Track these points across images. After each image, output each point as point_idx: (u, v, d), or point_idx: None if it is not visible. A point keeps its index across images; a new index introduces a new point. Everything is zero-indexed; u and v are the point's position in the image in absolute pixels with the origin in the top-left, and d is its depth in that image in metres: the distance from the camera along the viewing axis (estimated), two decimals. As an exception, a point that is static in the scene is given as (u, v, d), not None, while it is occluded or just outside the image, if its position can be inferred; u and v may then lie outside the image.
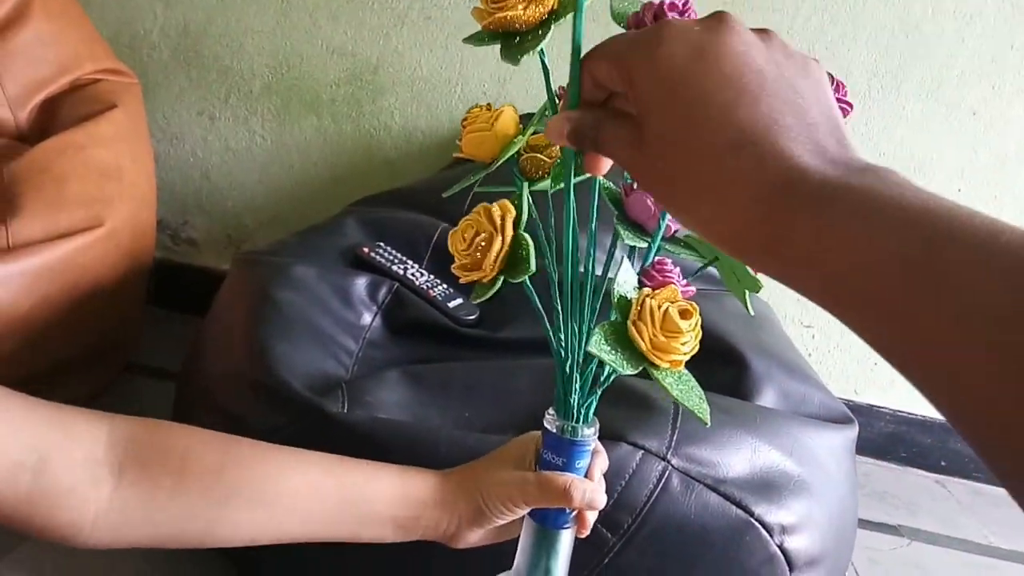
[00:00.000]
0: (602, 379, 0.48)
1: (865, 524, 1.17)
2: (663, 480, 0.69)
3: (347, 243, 1.02)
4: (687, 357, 0.45)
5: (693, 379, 0.47)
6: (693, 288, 0.46)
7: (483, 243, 0.42)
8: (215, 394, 0.76)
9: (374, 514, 0.53)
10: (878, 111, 1.30)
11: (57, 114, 1.12)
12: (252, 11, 1.35)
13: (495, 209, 0.43)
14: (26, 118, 1.12)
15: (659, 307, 0.43)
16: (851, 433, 0.88)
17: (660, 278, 0.44)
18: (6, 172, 0.97)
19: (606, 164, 0.39)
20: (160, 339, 1.31)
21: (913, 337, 0.26)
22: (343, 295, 0.91)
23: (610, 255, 0.47)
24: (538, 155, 0.45)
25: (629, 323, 0.44)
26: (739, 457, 0.73)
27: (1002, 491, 1.32)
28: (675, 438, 0.72)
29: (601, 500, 0.51)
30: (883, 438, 1.41)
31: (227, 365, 0.78)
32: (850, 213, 0.28)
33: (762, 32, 0.33)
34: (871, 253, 0.27)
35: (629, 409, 0.73)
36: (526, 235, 0.43)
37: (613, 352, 0.44)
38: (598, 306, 0.46)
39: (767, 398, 0.89)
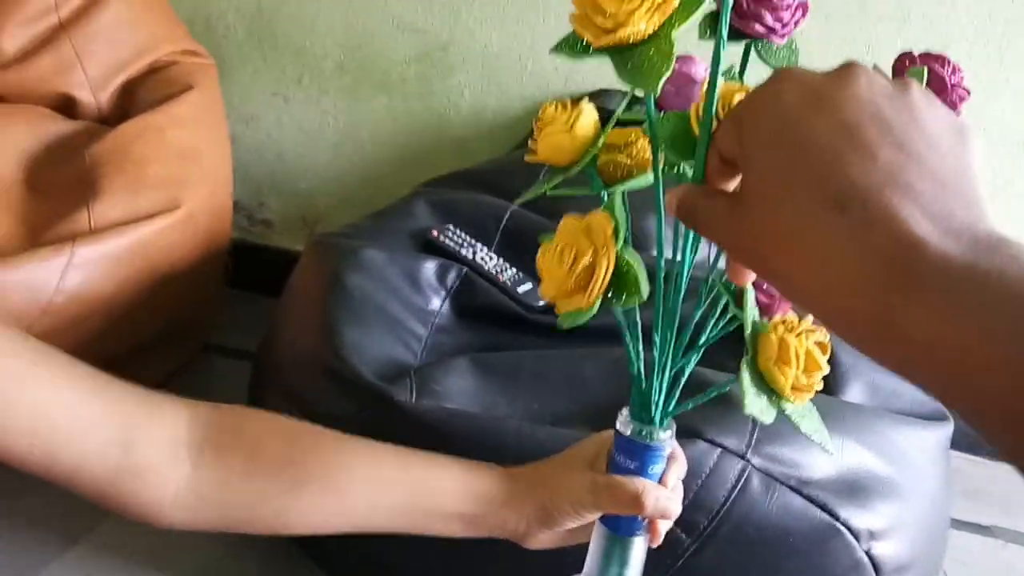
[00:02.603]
0: (681, 382, 0.45)
1: (954, 524, 1.11)
2: (742, 480, 0.66)
3: (417, 225, 1.01)
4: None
5: (813, 405, 0.44)
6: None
7: (588, 266, 0.38)
8: (287, 377, 0.76)
9: (440, 508, 0.52)
10: (980, 82, 1.21)
11: (136, 96, 1.14)
12: (324, -11, 1.34)
13: (596, 226, 0.39)
14: (107, 100, 1.14)
15: (802, 346, 0.40)
16: (946, 431, 0.82)
17: (768, 290, 0.41)
18: (88, 155, 0.99)
19: (746, 274, 0.35)
20: (237, 319, 1.33)
21: None
22: (412, 279, 0.90)
23: (686, 250, 0.43)
24: (618, 156, 0.41)
25: (771, 365, 0.41)
26: (824, 457, 0.70)
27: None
28: (755, 436, 0.68)
29: (675, 510, 0.48)
30: (974, 432, 1.33)
31: (299, 349, 0.78)
32: (978, 303, 0.24)
33: (900, 81, 0.29)
34: (1004, 353, 0.23)
35: (706, 404, 0.70)
36: (633, 253, 0.39)
37: (759, 397, 0.41)
38: (680, 306, 0.43)
39: (854, 392, 0.84)
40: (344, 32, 1.36)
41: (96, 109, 1.13)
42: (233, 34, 1.40)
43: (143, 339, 1.03)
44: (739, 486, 0.66)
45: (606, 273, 0.38)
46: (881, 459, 0.72)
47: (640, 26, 0.33)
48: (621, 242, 0.39)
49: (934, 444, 0.80)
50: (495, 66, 1.34)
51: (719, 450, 0.67)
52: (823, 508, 0.66)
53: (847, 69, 0.29)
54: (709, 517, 0.65)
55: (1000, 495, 1.22)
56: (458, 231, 1.00)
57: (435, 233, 0.99)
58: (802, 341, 0.40)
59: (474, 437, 0.65)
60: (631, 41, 0.34)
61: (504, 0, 1.29)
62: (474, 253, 0.97)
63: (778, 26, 0.40)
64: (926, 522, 0.74)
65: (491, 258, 0.97)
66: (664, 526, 0.49)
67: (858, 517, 0.67)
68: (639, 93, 0.36)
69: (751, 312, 0.42)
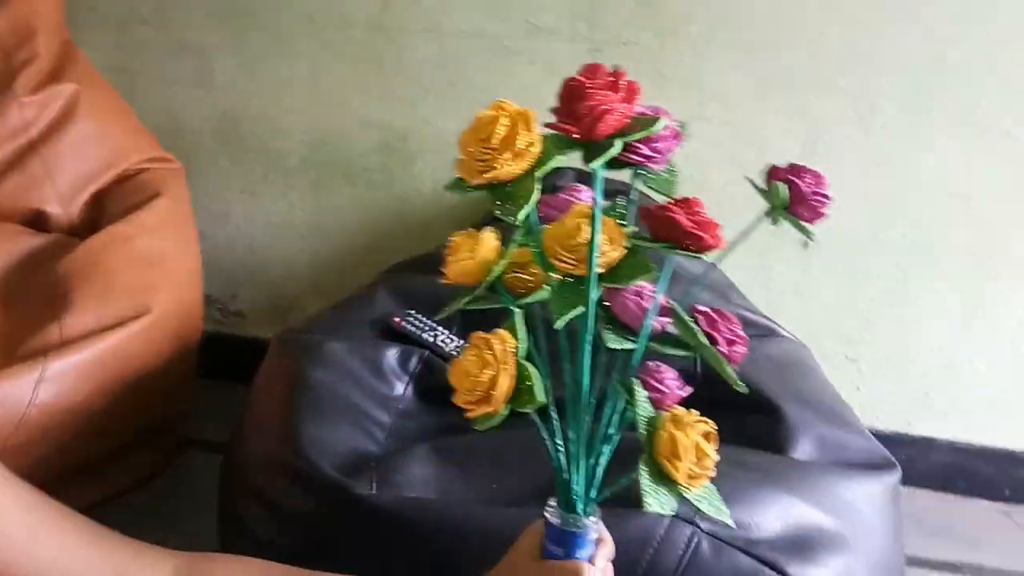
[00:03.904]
0: (599, 472, 0.49)
1: (923, 563, 1.13)
2: (692, 545, 0.69)
3: (379, 313, 1.05)
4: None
5: (713, 486, 0.48)
6: (688, 388, 0.48)
7: (490, 381, 0.43)
8: (253, 478, 0.79)
9: None
10: (910, 143, 1.28)
11: (105, 206, 1.19)
12: (286, 92, 1.41)
13: (496, 344, 0.44)
14: (77, 212, 1.19)
15: (689, 440, 0.44)
16: (892, 479, 0.86)
17: (656, 385, 0.46)
18: (58, 267, 1.04)
19: None
20: (215, 411, 1.35)
21: None
22: (375, 368, 0.94)
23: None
24: (521, 274, 0.47)
25: (663, 460, 0.45)
26: (771, 516, 0.73)
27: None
28: (703, 501, 0.72)
29: None
30: (941, 470, 1.36)
31: (263, 448, 0.81)
32: None
33: None
34: None
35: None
36: (529, 366, 0.45)
37: (658, 492, 0.45)
38: (592, 404, 0.48)
39: (804, 448, 0.88)
40: (307, 130, 1.43)
41: (67, 222, 1.18)
42: (200, 138, 1.46)
43: (119, 442, 1.05)
44: (690, 551, 0.69)
45: (508, 387, 0.43)
46: (827, 513, 0.75)
47: (504, 170, 0.39)
48: (523, 355, 0.44)
49: (881, 492, 0.83)
50: (452, 151, 1.39)
51: (668, 518, 0.70)
52: (772, 566, 0.69)
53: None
54: (663, 584, 0.68)
55: (969, 531, 1.25)
56: (419, 316, 1.04)
57: (397, 320, 1.03)
58: (690, 434, 0.44)
59: (432, 524, 0.68)
60: (501, 180, 0.40)
61: (456, 92, 1.37)
62: (435, 336, 1.01)
63: (655, 155, 0.45)
64: (877, 570, 0.76)
65: (452, 340, 1.01)
66: None
67: (807, 572, 0.70)
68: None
69: (643, 412, 0.46)
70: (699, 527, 0.70)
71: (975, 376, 1.34)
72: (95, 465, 1.02)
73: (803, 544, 0.72)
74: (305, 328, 0.99)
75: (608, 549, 0.53)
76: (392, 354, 0.96)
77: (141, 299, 1.03)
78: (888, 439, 1.35)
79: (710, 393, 0.98)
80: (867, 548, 0.76)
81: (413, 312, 1.05)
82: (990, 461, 1.36)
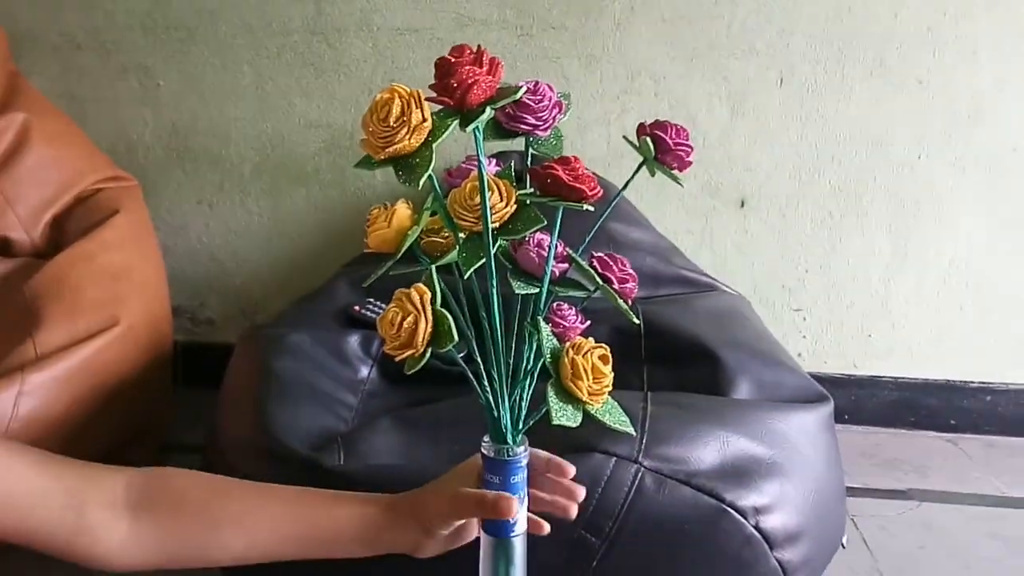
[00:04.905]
0: (523, 404, 0.55)
1: (874, 493, 1.21)
2: (636, 481, 0.76)
3: (340, 304, 1.11)
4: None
5: (615, 402, 0.54)
6: (588, 321, 0.54)
7: (411, 325, 0.50)
8: (230, 460, 0.84)
9: (339, 534, 0.63)
10: (828, 97, 1.35)
11: (67, 227, 1.23)
12: (231, 102, 1.45)
13: (414, 294, 0.51)
14: (40, 236, 1.23)
15: (588, 362, 0.51)
16: (825, 410, 0.93)
17: (559, 321, 0.52)
18: (27, 289, 1.08)
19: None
20: (192, 416, 1.39)
21: None
22: (339, 354, 0.99)
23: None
24: (435, 238, 0.53)
25: (567, 381, 0.51)
26: (709, 450, 0.79)
27: (1015, 440, 1.35)
28: (644, 441, 0.78)
29: (506, 507, 0.57)
30: (889, 406, 1.45)
31: (237, 434, 0.86)
32: None
33: None
34: None
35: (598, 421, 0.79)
36: (443, 311, 0.51)
37: (564, 408, 0.51)
38: (512, 348, 0.54)
39: (742, 389, 0.95)
40: (256, 137, 1.47)
41: (31, 245, 1.21)
42: (153, 154, 1.50)
43: (102, 450, 1.09)
44: (634, 487, 0.75)
45: (426, 330, 0.49)
46: (761, 444, 0.82)
47: (403, 144, 0.45)
48: (438, 303, 0.50)
49: (814, 423, 0.90)
50: (399, 145, 1.45)
51: (613, 459, 0.76)
52: (710, 494, 0.76)
53: None
54: (612, 519, 0.74)
55: (917, 461, 1.33)
56: (378, 303, 1.10)
57: (357, 308, 1.09)
58: (588, 358, 0.50)
59: (398, 486, 0.74)
60: (401, 154, 0.46)
61: (396, 86, 1.42)
62: (394, 321, 1.06)
63: (540, 123, 0.51)
64: (812, 493, 0.83)
65: (410, 323, 1.07)
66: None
67: (743, 498, 0.77)
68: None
69: (548, 342, 0.52)
70: (643, 465, 0.76)
71: (911, 314, 1.42)
72: (80, 474, 1.07)
73: (739, 473, 0.79)
74: (270, 324, 1.04)
75: (569, 468, 0.60)
76: (354, 340, 1.01)
77: (109, 311, 1.07)
78: (837, 381, 1.44)
79: (656, 347, 1.06)
80: (801, 473, 0.83)
81: (372, 300, 1.11)
82: (933, 394, 1.45)
